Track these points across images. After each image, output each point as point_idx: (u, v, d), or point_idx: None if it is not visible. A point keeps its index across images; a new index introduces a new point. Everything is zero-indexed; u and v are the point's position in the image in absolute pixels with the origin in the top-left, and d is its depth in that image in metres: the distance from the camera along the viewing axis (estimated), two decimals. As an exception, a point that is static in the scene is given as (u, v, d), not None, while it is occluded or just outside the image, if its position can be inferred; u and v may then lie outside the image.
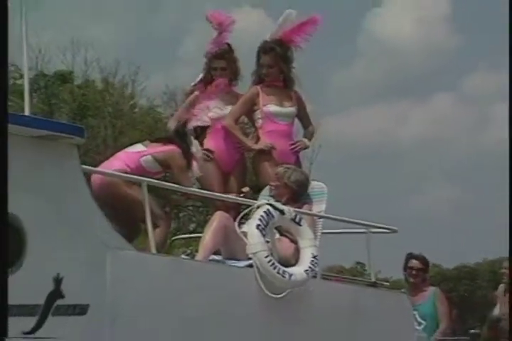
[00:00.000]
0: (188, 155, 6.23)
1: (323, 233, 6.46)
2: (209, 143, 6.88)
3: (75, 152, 4.47)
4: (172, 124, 7.01)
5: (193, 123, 6.82)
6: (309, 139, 7.04)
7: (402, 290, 8.20)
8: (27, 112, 4.34)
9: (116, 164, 6.01)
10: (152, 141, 6.32)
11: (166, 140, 6.33)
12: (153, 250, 5.02)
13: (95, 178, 5.82)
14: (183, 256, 6.32)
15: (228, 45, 7.01)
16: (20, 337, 3.96)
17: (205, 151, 6.75)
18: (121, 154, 6.24)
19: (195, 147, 6.42)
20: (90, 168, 5.33)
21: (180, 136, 6.35)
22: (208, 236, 5.78)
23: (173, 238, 8.69)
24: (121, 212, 5.77)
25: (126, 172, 5.83)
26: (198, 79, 7.08)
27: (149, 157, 6.09)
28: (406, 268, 8.32)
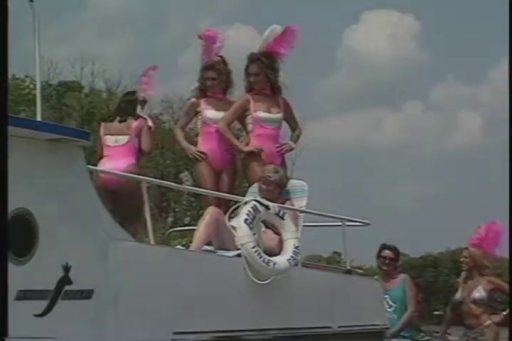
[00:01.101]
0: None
1: (304, 226, 6.47)
2: (203, 144, 6.88)
3: (81, 153, 4.45)
4: (177, 128, 7.12)
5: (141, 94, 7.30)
6: (295, 141, 7.03)
7: (375, 277, 8.21)
8: (39, 118, 4.32)
9: (124, 161, 6.35)
10: (111, 121, 7.23)
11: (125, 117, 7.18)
12: (152, 241, 5.01)
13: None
14: (178, 246, 6.31)
15: (221, 57, 7.01)
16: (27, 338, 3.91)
17: (197, 153, 6.76)
18: (115, 151, 6.76)
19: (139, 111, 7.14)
20: (95, 167, 5.31)
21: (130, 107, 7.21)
22: (201, 229, 5.77)
23: (170, 230, 8.66)
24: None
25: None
26: (194, 87, 7.07)
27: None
28: (379, 257, 8.32)
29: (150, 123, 7.26)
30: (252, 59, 6.85)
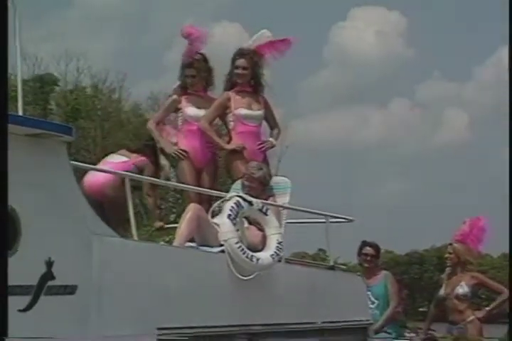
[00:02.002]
0: (157, 165, 6.83)
1: (287, 222, 6.49)
2: (184, 142, 6.88)
3: (64, 149, 4.44)
4: (151, 125, 7.02)
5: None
6: (275, 139, 7.06)
7: (358, 273, 8.24)
8: (20, 113, 4.32)
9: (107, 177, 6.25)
10: (131, 151, 6.90)
11: (140, 151, 6.90)
12: (135, 237, 5.02)
13: (98, 178, 6.14)
14: (161, 243, 6.32)
15: (202, 55, 7.02)
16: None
17: (179, 151, 6.77)
18: (109, 165, 6.57)
19: (162, 160, 6.89)
20: (79, 163, 5.31)
21: (149, 150, 6.89)
22: (183, 226, 5.79)
23: (155, 228, 8.63)
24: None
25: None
26: (177, 84, 7.08)
27: (133, 166, 6.63)
28: (360, 254, 8.37)
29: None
30: (243, 53, 6.89)
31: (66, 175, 4.47)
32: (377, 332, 7.74)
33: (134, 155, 6.82)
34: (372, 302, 7.99)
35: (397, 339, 8.38)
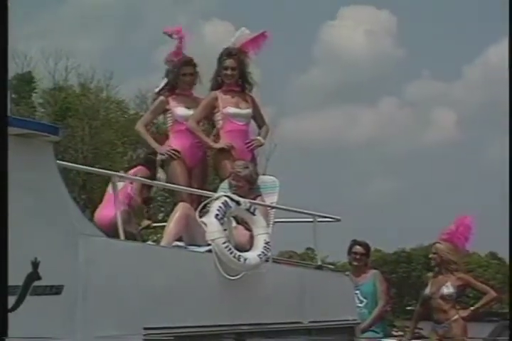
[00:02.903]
0: (154, 178, 6.77)
1: (275, 222, 6.49)
2: (174, 142, 6.88)
3: (50, 148, 4.42)
4: (140, 127, 7.01)
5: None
6: (263, 137, 7.07)
7: (347, 272, 8.26)
8: (8, 113, 4.29)
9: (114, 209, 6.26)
10: (133, 167, 7.05)
11: (142, 164, 7.05)
12: (122, 237, 5.01)
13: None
14: (149, 242, 6.31)
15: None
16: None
17: (172, 151, 6.76)
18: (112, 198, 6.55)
19: (160, 173, 6.84)
20: (65, 163, 5.30)
21: (150, 163, 6.93)
22: (172, 225, 5.79)
23: (142, 227, 8.63)
24: None
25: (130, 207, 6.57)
26: (162, 84, 7.05)
27: (130, 187, 6.73)
28: (350, 253, 8.38)
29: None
30: (230, 53, 6.89)
31: (53, 174, 4.46)
32: (364, 330, 7.75)
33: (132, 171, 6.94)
34: (361, 301, 8.00)
35: (385, 338, 8.40)
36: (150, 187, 7.09)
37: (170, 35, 7.05)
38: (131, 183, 6.75)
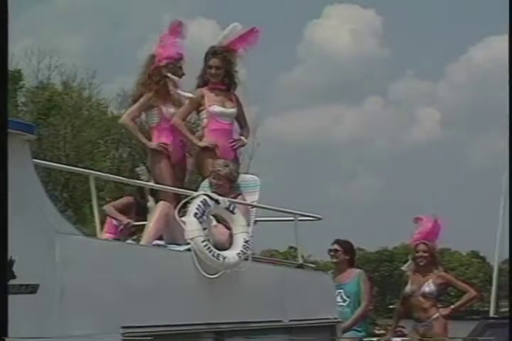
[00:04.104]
0: (144, 208, 6.77)
1: (256, 221, 6.46)
2: (160, 140, 6.82)
3: (26, 147, 4.39)
4: (127, 120, 6.92)
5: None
6: (246, 137, 7.04)
7: (330, 271, 8.25)
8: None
9: None
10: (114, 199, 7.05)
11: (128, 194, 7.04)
12: (99, 235, 4.97)
13: None
14: (129, 241, 6.27)
15: None
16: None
17: (162, 144, 6.69)
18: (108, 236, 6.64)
19: (149, 201, 6.75)
20: (42, 161, 5.25)
21: (139, 192, 6.92)
22: (151, 224, 5.76)
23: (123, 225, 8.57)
24: None
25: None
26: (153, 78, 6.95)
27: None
28: (331, 250, 8.38)
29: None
30: (215, 52, 6.84)
31: (29, 173, 4.41)
32: (347, 329, 7.74)
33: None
34: (344, 300, 7.98)
35: (366, 337, 8.40)
36: (137, 215, 7.00)
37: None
38: (114, 219, 6.76)
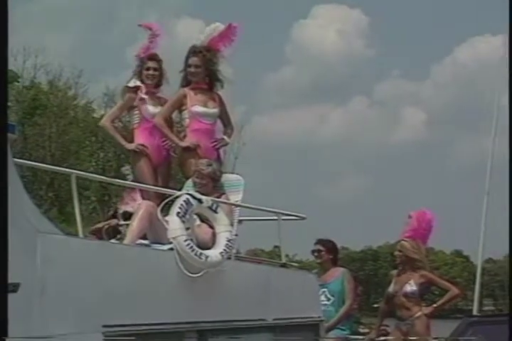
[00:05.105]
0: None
1: (240, 220, 6.45)
2: (140, 140, 6.82)
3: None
4: (106, 122, 6.91)
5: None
6: (229, 136, 7.03)
7: (315, 270, 8.26)
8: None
9: None
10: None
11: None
12: (81, 234, 4.95)
13: None
14: (112, 240, 6.24)
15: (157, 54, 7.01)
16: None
17: (140, 146, 6.69)
18: None
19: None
20: (23, 161, 5.21)
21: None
22: (135, 223, 5.75)
23: (106, 223, 8.54)
24: None
25: None
26: (135, 82, 6.93)
27: None
28: (314, 251, 8.39)
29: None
30: (195, 51, 6.85)
31: (10, 172, 4.36)
32: (331, 328, 7.74)
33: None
34: (328, 299, 7.99)
35: (351, 335, 8.40)
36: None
37: (148, 28, 6.97)
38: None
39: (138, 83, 6.88)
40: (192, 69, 6.81)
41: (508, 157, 4.30)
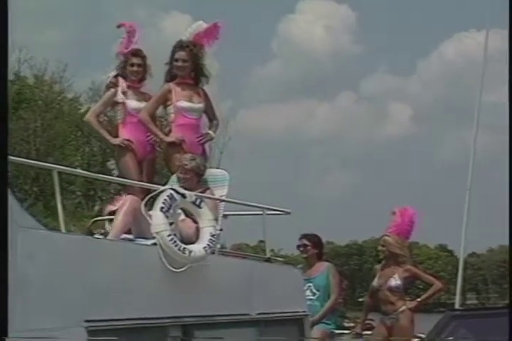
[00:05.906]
0: None
1: (224, 215, 6.42)
2: (125, 135, 6.77)
3: None
4: (91, 117, 6.87)
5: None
6: (214, 131, 7.01)
7: (300, 265, 8.25)
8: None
9: None
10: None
11: None
12: (63, 229, 4.91)
13: None
14: (97, 235, 6.21)
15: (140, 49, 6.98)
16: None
17: (125, 141, 6.65)
18: None
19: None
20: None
21: None
22: (119, 218, 5.72)
23: (93, 219, 8.51)
24: None
25: None
26: (111, 76, 6.92)
27: None
28: (299, 245, 8.38)
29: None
30: (182, 46, 6.82)
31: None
32: (316, 323, 7.73)
33: None
34: (314, 294, 7.98)
35: (336, 329, 8.41)
36: None
37: (123, 27, 6.95)
38: None
39: (113, 73, 6.85)
40: (179, 64, 6.78)
41: (508, 156, 4.29)
